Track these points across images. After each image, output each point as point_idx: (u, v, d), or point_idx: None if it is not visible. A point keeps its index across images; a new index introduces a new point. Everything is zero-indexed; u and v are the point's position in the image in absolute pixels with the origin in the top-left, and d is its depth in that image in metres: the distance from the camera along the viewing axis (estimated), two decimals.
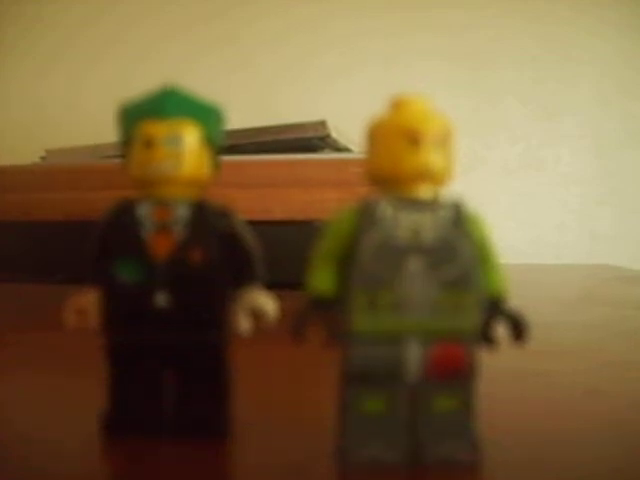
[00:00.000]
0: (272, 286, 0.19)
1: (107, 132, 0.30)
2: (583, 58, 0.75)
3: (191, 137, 0.18)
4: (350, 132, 0.53)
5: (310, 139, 0.51)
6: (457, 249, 0.16)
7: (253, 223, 0.19)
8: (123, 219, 0.18)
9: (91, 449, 0.17)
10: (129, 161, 0.18)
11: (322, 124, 0.51)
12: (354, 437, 0.16)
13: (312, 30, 0.76)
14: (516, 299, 0.18)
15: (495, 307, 0.17)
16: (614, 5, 0.74)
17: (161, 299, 0.18)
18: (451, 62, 0.75)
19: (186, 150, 0.18)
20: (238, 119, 0.21)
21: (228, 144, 0.20)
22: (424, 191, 0.17)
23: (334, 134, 0.52)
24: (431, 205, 0.17)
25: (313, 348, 0.16)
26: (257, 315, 0.18)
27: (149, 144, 0.18)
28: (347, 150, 0.54)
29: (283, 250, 0.43)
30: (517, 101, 0.76)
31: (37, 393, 0.23)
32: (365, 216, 0.16)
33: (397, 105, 0.17)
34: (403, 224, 0.16)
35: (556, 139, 0.76)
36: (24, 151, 0.63)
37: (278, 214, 0.49)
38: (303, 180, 0.49)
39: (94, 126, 0.55)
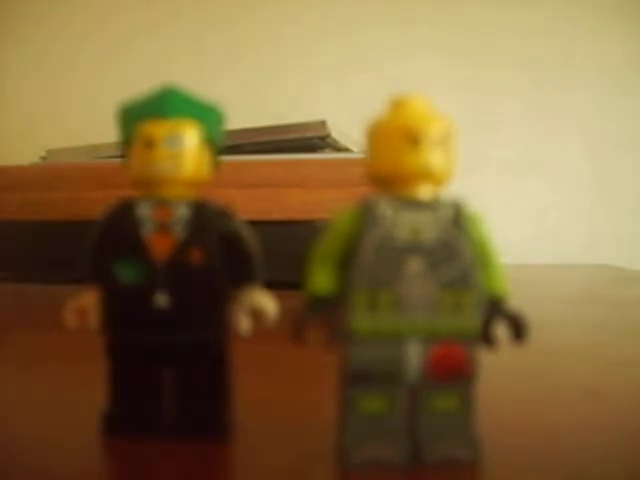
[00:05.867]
0: (272, 286, 0.19)
1: (107, 132, 0.30)
2: (583, 58, 0.75)
3: (191, 137, 0.18)
4: (343, 126, 0.53)
5: (310, 139, 0.51)
6: (457, 249, 0.16)
7: (253, 223, 0.19)
8: (123, 219, 0.18)
9: (91, 449, 0.17)
10: (129, 161, 0.18)
11: (322, 124, 0.51)
12: (354, 437, 0.16)
13: (310, 25, 0.76)
14: (516, 299, 0.18)
15: (495, 307, 0.17)
16: (615, 5, 0.74)
17: (161, 299, 0.18)
18: (451, 61, 0.75)
19: (186, 150, 0.18)
20: (233, 117, 0.21)
21: (228, 144, 0.20)
22: (424, 191, 0.17)
23: (334, 134, 0.52)
24: (431, 205, 0.17)
25: (313, 348, 0.16)
26: (257, 315, 0.18)
27: (149, 144, 0.18)
28: (347, 150, 0.54)
29: (283, 250, 0.43)
30: (517, 101, 0.76)
31: (37, 393, 0.23)
32: (365, 216, 0.16)
33: (397, 105, 0.17)
34: (403, 224, 0.16)
35: (556, 139, 0.76)
36: (24, 151, 0.63)
37: (278, 214, 0.49)
38: (303, 180, 0.49)
39: (95, 126, 0.55)
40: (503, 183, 0.75)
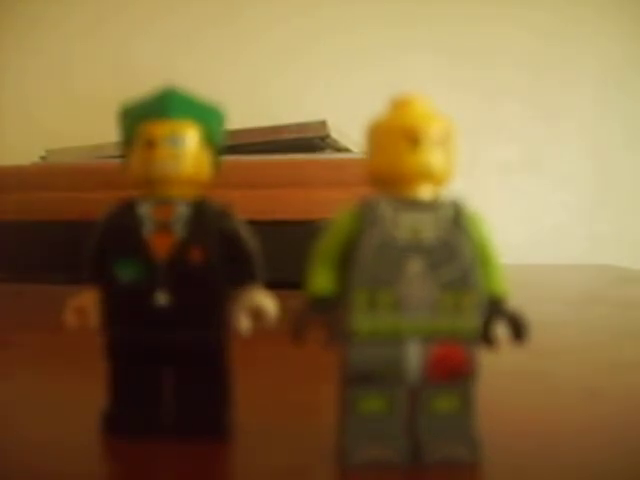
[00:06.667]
0: (272, 286, 0.19)
1: (107, 132, 0.30)
2: (584, 58, 0.75)
3: (192, 137, 0.18)
4: (343, 126, 0.53)
5: (310, 139, 0.51)
6: (457, 249, 0.16)
7: (253, 223, 0.19)
8: (124, 218, 0.18)
9: (91, 449, 0.17)
10: (130, 161, 0.18)
11: (322, 124, 0.51)
12: (354, 437, 0.16)
13: (310, 24, 0.76)
14: (516, 299, 0.18)
15: (495, 307, 0.17)
16: (616, 5, 0.74)
17: (161, 298, 0.18)
18: (451, 61, 0.75)
19: (187, 150, 0.18)
20: (233, 117, 0.21)
21: (228, 144, 0.20)
22: (424, 191, 0.17)
23: (334, 134, 0.52)
24: (431, 205, 0.17)
25: (313, 348, 0.16)
26: (257, 315, 0.18)
27: (150, 144, 0.18)
28: (347, 150, 0.54)
29: (283, 250, 0.43)
30: (517, 101, 0.76)
31: (37, 393, 0.23)
32: (365, 216, 0.16)
33: (397, 105, 0.17)
34: (403, 224, 0.16)
35: (556, 139, 0.76)
36: (24, 151, 0.63)
37: (278, 214, 0.49)
38: (303, 180, 0.49)
39: (95, 126, 0.55)
40: (503, 183, 0.75)
